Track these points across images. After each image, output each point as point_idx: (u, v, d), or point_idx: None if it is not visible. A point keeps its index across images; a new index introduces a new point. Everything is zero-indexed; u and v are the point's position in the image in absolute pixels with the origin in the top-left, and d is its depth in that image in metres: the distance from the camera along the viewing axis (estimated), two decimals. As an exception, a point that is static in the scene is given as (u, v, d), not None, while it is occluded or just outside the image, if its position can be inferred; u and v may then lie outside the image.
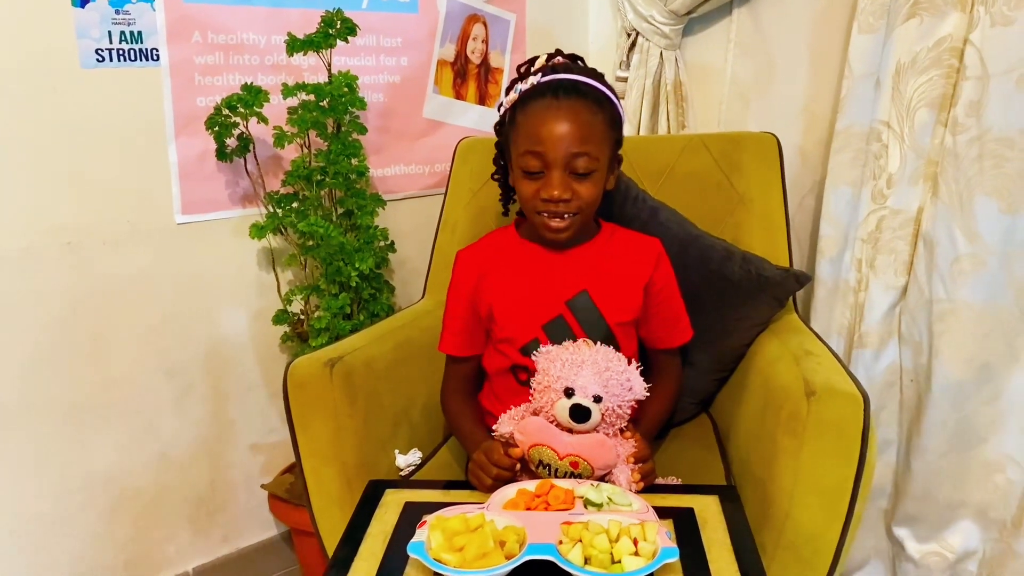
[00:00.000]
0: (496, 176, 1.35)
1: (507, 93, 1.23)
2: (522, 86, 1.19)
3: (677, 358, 1.36)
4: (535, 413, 1.13)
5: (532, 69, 1.22)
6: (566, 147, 1.14)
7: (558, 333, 1.22)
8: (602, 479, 1.08)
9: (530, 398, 1.14)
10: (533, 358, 1.15)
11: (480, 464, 1.10)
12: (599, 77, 1.22)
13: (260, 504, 1.87)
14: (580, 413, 1.06)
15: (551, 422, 1.09)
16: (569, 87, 1.16)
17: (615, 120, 1.21)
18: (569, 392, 1.07)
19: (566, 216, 1.18)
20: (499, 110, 1.26)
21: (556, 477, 1.07)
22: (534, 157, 1.16)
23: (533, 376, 1.15)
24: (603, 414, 1.08)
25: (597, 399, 1.07)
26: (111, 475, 1.64)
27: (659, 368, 1.32)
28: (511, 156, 1.23)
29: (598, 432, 1.09)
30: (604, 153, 1.19)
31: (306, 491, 1.24)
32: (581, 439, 1.07)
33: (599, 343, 1.15)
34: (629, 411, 1.11)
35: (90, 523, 1.64)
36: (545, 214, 1.19)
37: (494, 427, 1.19)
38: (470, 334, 1.30)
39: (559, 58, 1.23)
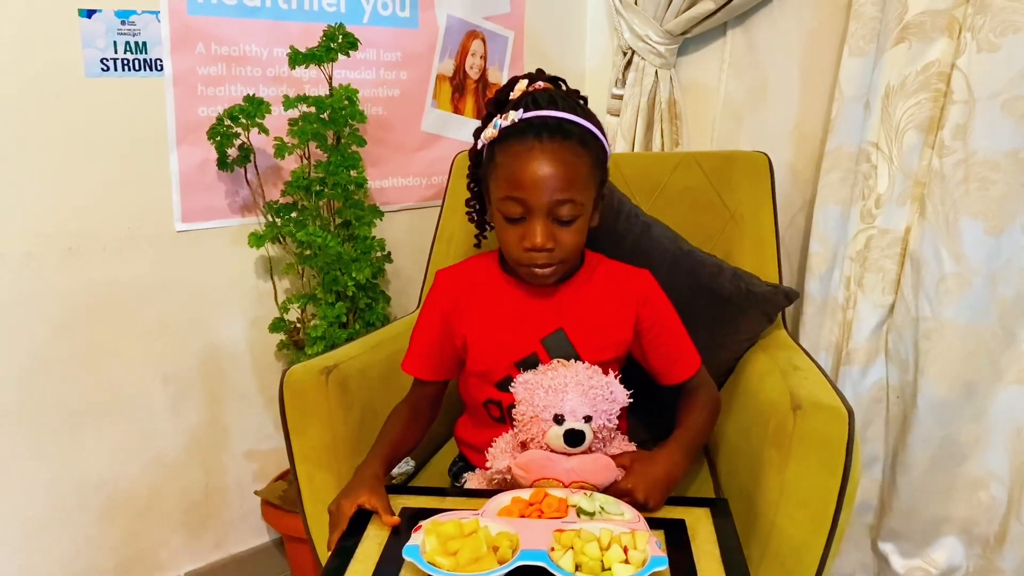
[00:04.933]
0: (471, 203, 1.27)
1: (486, 120, 1.16)
2: (502, 122, 1.10)
3: (695, 383, 1.25)
4: (523, 444, 1.12)
5: (512, 96, 1.14)
6: (549, 194, 1.06)
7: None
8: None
9: (513, 427, 1.13)
10: (511, 390, 1.12)
11: (334, 512, 1.06)
12: (583, 108, 1.15)
13: (253, 510, 1.88)
14: (575, 437, 1.06)
15: (544, 450, 1.09)
16: (553, 127, 1.08)
17: (600, 159, 1.13)
18: (559, 419, 1.07)
19: (549, 265, 1.12)
20: (476, 138, 1.18)
21: None
22: (515, 203, 1.08)
23: (507, 410, 1.15)
24: (595, 431, 1.08)
25: (587, 419, 1.07)
26: (105, 479, 1.65)
27: (683, 395, 1.26)
28: (490, 195, 1.16)
29: (592, 450, 1.10)
30: (589, 196, 1.12)
31: (300, 497, 1.25)
32: (582, 462, 1.07)
33: (572, 360, 1.14)
34: (617, 421, 1.12)
35: (84, 526, 1.64)
36: (528, 264, 1.13)
37: (487, 464, 1.15)
38: (436, 358, 1.24)
39: (540, 83, 1.16)
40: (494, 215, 1.15)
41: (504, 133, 1.10)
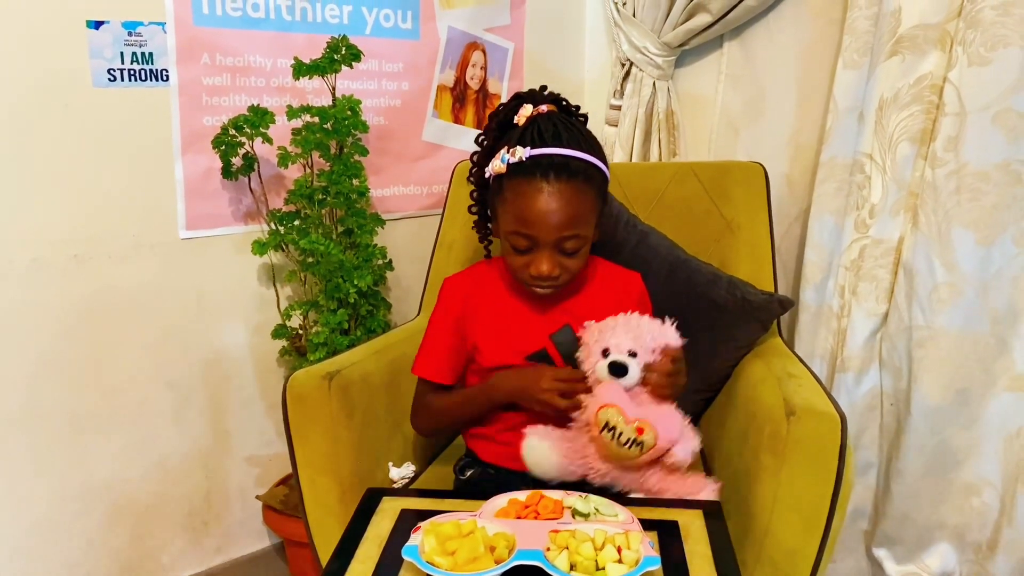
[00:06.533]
0: (473, 211, 1.33)
1: (491, 141, 1.22)
2: (510, 158, 1.15)
3: None
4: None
5: (516, 120, 1.20)
6: (556, 231, 1.14)
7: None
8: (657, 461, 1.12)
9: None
10: (579, 334, 1.21)
11: (545, 387, 1.16)
12: (585, 137, 1.19)
13: (254, 515, 1.90)
14: (618, 368, 1.12)
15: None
16: (559, 166, 1.13)
17: (602, 189, 1.20)
18: (606, 352, 1.14)
19: (553, 287, 1.20)
20: (480, 147, 1.25)
21: (619, 442, 1.07)
22: (523, 238, 1.16)
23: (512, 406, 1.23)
24: (642, 368, 1.13)
25: (632, 354, 1.13)
26: (108, 484, 1.67)
27: None
28: (498, 219, 1.22)
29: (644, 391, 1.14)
30: (591, 226, 1.19)
31: (302, 502, 1.27)
32: (654, 409, 1.12)
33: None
34: (671, 374, 1.15)
35: (86, 531, 1.66)
36: (533, 286, 1.20)
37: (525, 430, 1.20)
38: (453, 361, 1.30)
39: (543, 106, 1.20)
40: (503, 242, 1.22)
41: (512, 169, 1.16)
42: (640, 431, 1.07)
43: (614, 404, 1.10)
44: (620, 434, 1.07)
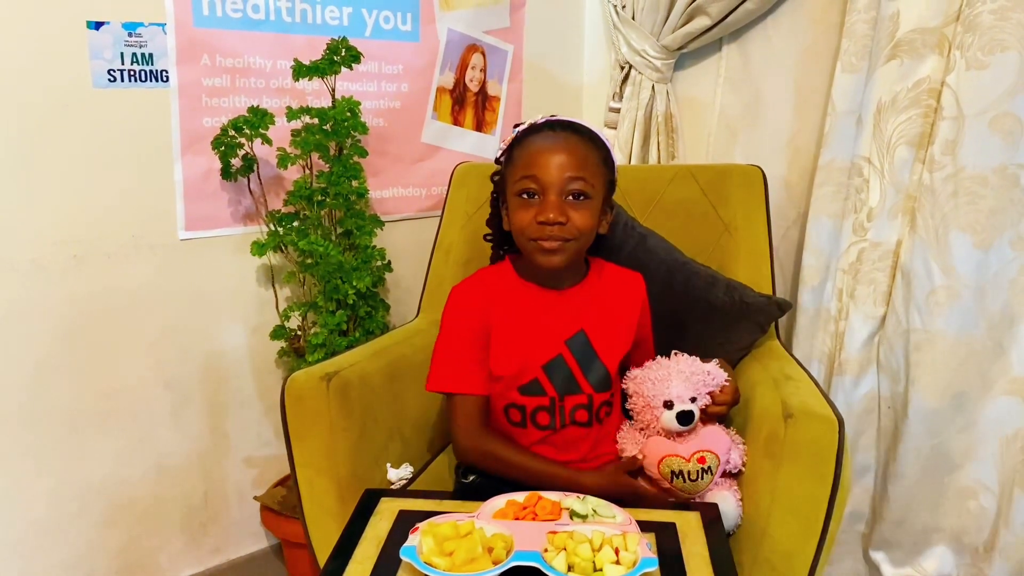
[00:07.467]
0: (489, 224, 1.36)
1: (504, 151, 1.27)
2: (521, 128, 1.23)
3: None
4: (640, 431, 1.26)
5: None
6: (561, 171, 1.16)
7: (557, 373, 1.24)
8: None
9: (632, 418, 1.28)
10: (624, 385, 1.28)
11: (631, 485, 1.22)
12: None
13: (252, 516, 1.90)
14: (686, 417, 1.18)
15: (660, 435, 1.22)
16: (565, 124, 1.21)
17: (608, 160, 1.23)
18: (668, 403, 1.20)
19: (559, 240, 1.18)
20: (497, 162, 1.29)
21: (689, 480, 1.17)
22: (530, 180, 1.17)
23: (529, 415, 1.25)
24: (700, 410, 1.20)
25: (692, 400, 1.20)
26: (107, 484, 1.67)
27: None
28: (507, 191, 1.23)
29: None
30: (598, 184, 1.20)
31: (300, 502, 1.26)
32: (699, 435, 1.20)
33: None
34: (721, 405, 1.24)
35: (85, 531, 1.66)
36: (539, 239, 1.18)
37: (618, 446, 1.27)
38: (485, 372, 1.25)
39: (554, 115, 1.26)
40: (510, 205, 1.23)
41: (521, 134, 1.23)
42: (702, 460, 1.17)
43: (669, 454, 1.19)
44: (688, 474, 1.17)
